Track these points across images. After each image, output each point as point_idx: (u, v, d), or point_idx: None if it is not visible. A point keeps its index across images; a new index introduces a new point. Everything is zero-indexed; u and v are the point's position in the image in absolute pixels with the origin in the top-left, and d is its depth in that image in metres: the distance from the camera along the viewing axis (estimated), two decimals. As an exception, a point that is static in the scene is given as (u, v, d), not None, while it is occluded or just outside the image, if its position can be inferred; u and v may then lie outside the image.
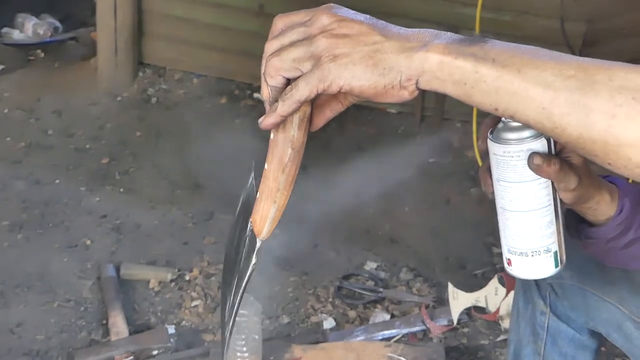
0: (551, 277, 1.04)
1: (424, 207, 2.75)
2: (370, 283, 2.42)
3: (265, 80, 0.91)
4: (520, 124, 0.97)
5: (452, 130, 3.11)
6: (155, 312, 2.29)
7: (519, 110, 0.83)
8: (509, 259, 1.03)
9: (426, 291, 2.39)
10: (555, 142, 1.00)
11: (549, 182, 0.99)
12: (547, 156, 0.96)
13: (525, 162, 0.96)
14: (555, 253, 1.03)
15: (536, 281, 1.44)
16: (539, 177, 0.98)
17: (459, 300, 2.26)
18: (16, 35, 3.58)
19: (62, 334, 2.20)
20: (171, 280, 2.37)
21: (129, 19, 3.19)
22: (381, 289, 2.38)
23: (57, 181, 2.76)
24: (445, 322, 2.26)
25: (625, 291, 1.32)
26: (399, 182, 2.85)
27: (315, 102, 0.94)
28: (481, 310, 2.27)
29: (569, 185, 1.00)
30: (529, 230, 1.01)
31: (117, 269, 2.38)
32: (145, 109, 3.19)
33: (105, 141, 2.99)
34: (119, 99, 3.22)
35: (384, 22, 0.88)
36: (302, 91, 0.87)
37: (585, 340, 1.48)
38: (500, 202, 1.01)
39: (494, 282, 2.26)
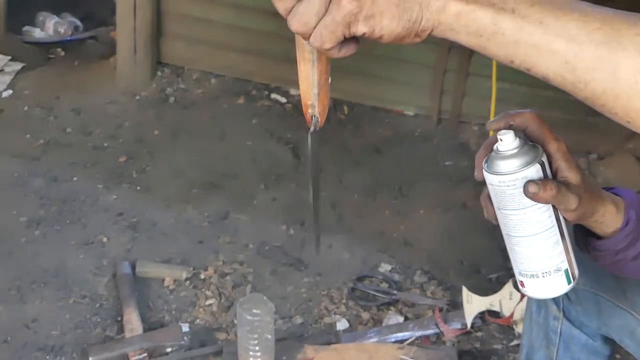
0: (565, 294, 1.04)
1: (439, 210, 2.74)
2: (384, 285, 2.42)
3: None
4: (512, 152, 0.97)
5: (469, 133, 3.10)
6: (170, 310, 2.30)
7: (538, 63, 0.81)
8: (521, 281, 1.04)
9: (440, 294, 2.39)
10: (550, 165, 1.00)
11: (549, 205, 0.99)
12: (542, 183, 0.96)
13: (522, 189, 0.96)
14: (566, 271, 1.03)
15: None
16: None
17: (473, 304, 2.26)
18: (37, 33, 3.61)
19: (77, 329, 2.22)
20: (186, 279, 2.39)
21: (148, 19, 3.21)
22: (395, 291, 2.38)
23: (75, 179, 2.78)
24: (458, 326, 2.25)
25: (638, 297, 1.32)
26: (414, 184, 2.85)
27: None
28: (495, 314, 2.27)
29: (569, 206, 1.00)
30: (536, 253, 1.01)
31: (133, 267, 2.39)
32: (163, 108, 3.20)
33: (123, 140, 3.01)
34: (137, 98, 3.24)
35: None
36: (332, 40, 0.83)
37: (598, 346, 1.48)
38: (504, 229, 1.02)
39: (509, 287, 2.25)
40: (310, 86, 0.93)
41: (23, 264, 2.40)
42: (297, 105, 3.22)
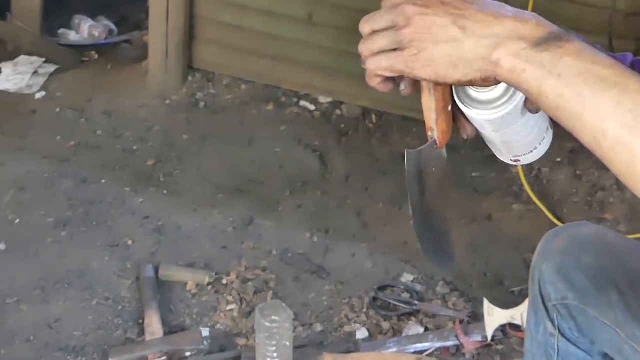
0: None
1: (464, 222, 2.73)
2: (406, 295, 2.42)
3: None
4: (487, 91, 0.99)
5: (497, 145, 3.09)
6: (191, 314, 2.32)
7: (574, 130, 0.84)
8: (518, 159, 1.10)
9: (462, 306, 2.38)
10: None
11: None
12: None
13: (515, 108, 0.99)
14: (549, 121, 1.07)
15: (544, 302, 1.43)
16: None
17: (494, 317, 2.24)
18: (72, 36, 3.65)
19: (99, 331, 2.24)
20: (208, 283, 2.40)
21: (180, 24, 3.23)
22: (416, 302, 2.37)
23: (103, 181, 2.81)
24: (479, 338, 2.24)
25: (621, 315, 1.31)
26: (440, 195, 2.84)
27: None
28: (516, 327, 2.25)
29: None
30: (538, 131, 1.05)
31: (156, 270, 2.41)
32: (193, 112, 3.22)
33: (152, 143, 3.04)
34: (167, 102, 3.27)
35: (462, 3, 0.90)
36: (385, 70, 0.95)
37: None
38: (500, 139, 1.05)
39: (531, 300, 2.24)
40: (429, 111, 1.02)
41: (48, 264, 2.44)
42: (325, 113, 3.22)
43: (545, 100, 0.84)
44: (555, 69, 0.83)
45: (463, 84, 0.92)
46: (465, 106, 1.01)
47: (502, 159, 1.12)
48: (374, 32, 0.95)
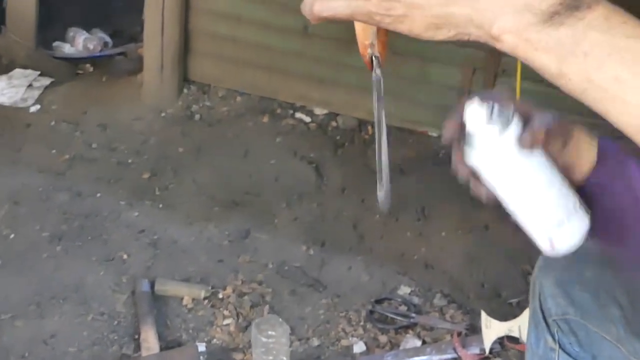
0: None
1: (461, 232, 2.73)
2: (403, 308, 2.41)
3: None
4: (490, 118, 0.93)
5: (493, 156, 3.08)
6: (187, 329, 2.30)
7: (608, 114, 0.71)
8: (551, 240, 1.00)
9: (459, 318, 2.37)
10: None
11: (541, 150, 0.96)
12: (531, 133, 0.89)
13: (517, 148, 0.92)
14: (581, 201, 1.00)
15: (544, 317, 1.43)
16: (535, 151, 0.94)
17: (491, 329, 2.24)
18: (67, 49, 3.64)
19: (94, 347, 2.23)
20: (204, 298, 2.39)
21: (175, 37, 3.23)
22: (414, 315, 2.36)
23: (99, 194, 2.80)
24: (477, 351, 2.23)
25: (622, 330, 1.30)
26: (437, 206, 2.83)
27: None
28: (514, 340, 2.24)
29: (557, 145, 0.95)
30: (557, 196, 0.98)
31: (152, 284, 2.40)
32: (189, 125, 3.21)
33: (148, 156, 3.02)
34: (163, 114, 3.26)
35: None
36: (342, 17, 0.77)
37: None
38: (516, 194, 0.99)
39: (528, 312, 2.23)
40: (368, 28, 0.91)
41: (44, 279, 2.42)
42: (321, 125, 3.22)
43: (568, 82, 0.70)
44: (578, 48, 0.68)
45: (448, 40, 0.76)
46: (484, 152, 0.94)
47: (542, 248, 1.01)
48: None
